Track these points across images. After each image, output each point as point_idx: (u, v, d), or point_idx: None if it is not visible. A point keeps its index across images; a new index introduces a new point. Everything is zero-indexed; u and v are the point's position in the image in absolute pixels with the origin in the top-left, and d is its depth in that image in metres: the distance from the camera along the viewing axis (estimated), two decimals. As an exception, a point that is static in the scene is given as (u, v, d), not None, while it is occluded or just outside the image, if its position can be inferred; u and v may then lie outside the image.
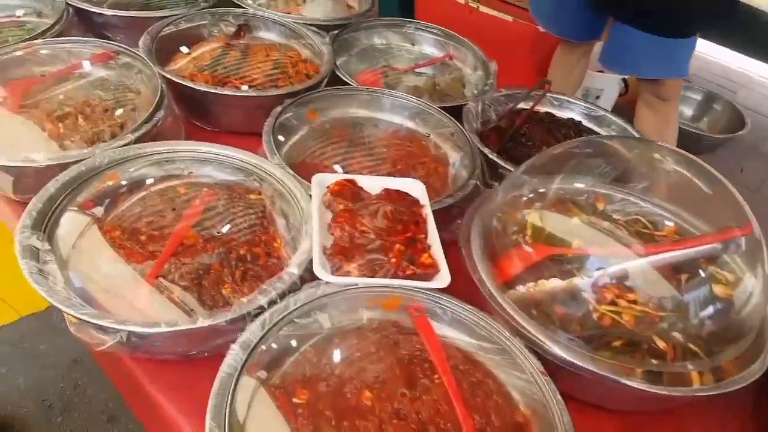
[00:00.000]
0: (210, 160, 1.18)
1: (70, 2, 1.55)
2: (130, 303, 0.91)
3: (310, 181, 1.08)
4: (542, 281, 0.90)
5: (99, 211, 1.08)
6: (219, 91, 1.32)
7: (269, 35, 1.68)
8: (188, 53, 1.54)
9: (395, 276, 0.90)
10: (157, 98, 1.22)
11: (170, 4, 1.74)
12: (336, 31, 1.68)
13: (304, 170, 1.16)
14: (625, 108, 2.94)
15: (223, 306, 0.93)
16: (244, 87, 1.40)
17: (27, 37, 1.52)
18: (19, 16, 1.59)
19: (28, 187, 1.12)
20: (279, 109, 1.30)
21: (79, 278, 0.94)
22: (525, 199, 1.03)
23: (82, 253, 1.00)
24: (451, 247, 0.98)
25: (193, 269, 1.00)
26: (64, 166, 1.06)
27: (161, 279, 0.98)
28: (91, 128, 1.22)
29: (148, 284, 0.96)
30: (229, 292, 0.98)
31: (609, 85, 2.77)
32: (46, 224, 0.98)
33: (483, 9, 2.93)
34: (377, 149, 1.35)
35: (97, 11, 1.53)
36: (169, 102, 1.25)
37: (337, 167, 1.25)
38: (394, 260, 0.91)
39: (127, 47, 1.38)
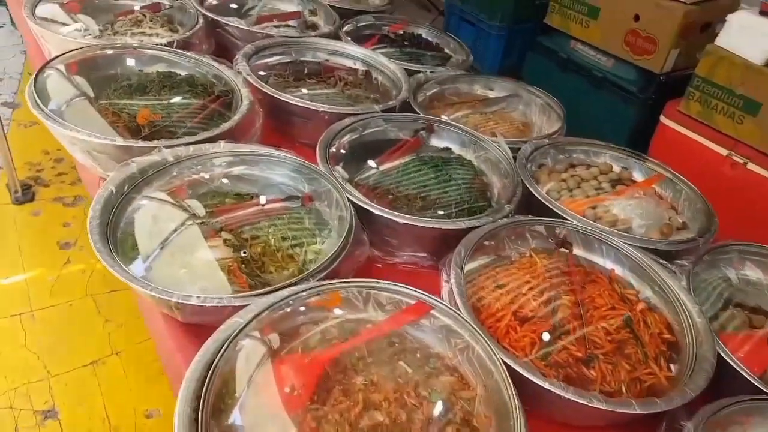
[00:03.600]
0: None
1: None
2: None
3: None
4: None
5: None
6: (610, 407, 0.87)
7: (594, 257, 1.23)
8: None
9: None
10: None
11: (444, 198, 1.33)
12: (685, 263, 1.20)
13: None
14: None
15: None
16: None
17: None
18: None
19: None
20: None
21: None
22: None
23: None
24: None
25: None
26: None
27: None
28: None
29: None
30: None
31: None
32: None
33: (752, 167, 2.37)
34: None
35: (401, 221, 1.15)
36: None
37: None
38: None
39: (446, 304, 0.96)
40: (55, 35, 1.57)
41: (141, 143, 1.20)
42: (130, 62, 1.54)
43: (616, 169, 1.57)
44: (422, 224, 1.15)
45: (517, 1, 3.07)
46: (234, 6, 2.09)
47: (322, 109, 1.43)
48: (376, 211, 1.15)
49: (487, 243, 1.16)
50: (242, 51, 1.63)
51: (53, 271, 2.19)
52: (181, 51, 1.57)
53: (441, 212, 1.26)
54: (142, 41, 1.68)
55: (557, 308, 1.06)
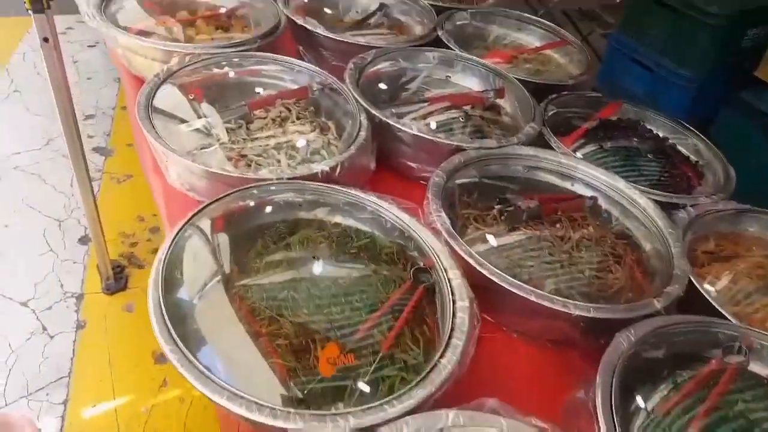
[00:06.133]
0: None
1: None
2: None
3: None
4: None
5: None
6: None
7: None
8: None
9: None
10: None
11: None
12: None
13: None
14: None
15: None
16: None
17: None
18: None
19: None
20: None
21: None
22: None
23: None
24: None
25: None
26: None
27: None
28: None
29: None
30: None
31: None
32: None
33: None
34: None
35: None
36: None
37: None
38: None
39: None
40: (181, 160, 1.11)
41: (331, 426, 0.71)
42: (279, 209, 1.07)
43: None
44: None
45: (718, 43, 2.40)
46: (383, 86, 1.56)
47: (577, 314, 0.91)
48: None
49: None
50: (432, 186, 1.12)
51: (147, 397, 1.78)
52: (355, 191, 1.09)
53: None
54: (293, 165, 1.19)
55: None
